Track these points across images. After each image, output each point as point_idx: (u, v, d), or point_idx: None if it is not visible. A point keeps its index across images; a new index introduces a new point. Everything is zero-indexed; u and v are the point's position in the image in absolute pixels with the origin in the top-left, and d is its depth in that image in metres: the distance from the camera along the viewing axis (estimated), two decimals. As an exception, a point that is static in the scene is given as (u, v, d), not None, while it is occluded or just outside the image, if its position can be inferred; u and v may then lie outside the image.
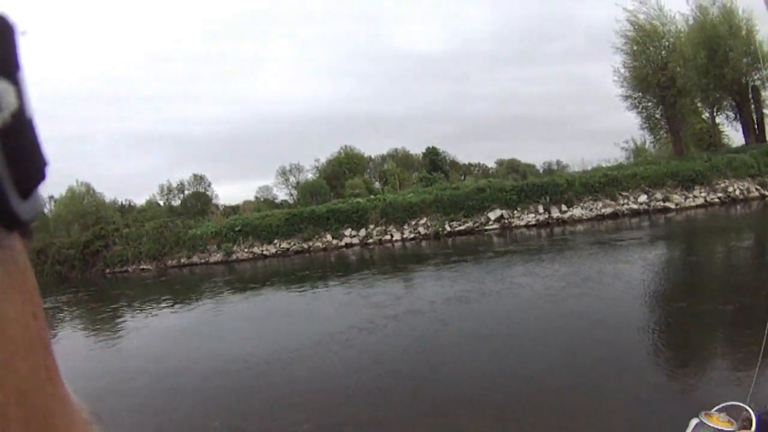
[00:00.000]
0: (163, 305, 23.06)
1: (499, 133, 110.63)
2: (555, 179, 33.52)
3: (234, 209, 57.15)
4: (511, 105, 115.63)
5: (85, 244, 42.18)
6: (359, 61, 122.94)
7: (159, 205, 62.32)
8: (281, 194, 64.70)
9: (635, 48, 38.58)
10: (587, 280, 14.74)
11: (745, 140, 39.94)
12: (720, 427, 4.47)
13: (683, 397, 7.25)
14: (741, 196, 30.75)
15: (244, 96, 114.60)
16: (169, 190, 64.05)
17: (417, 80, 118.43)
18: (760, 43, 32.10)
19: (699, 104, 41.65)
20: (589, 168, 38.67)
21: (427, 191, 36.41)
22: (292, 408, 8.51)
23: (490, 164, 70.89)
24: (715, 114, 42.01)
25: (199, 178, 63.20)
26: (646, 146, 49.82)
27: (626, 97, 40.61)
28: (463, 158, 72.14)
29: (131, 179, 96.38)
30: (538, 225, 29.91)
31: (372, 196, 39.52)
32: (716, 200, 30.50)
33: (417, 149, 66.56)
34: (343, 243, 32.93)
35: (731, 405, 4.99)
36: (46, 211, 66.13)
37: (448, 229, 30.97)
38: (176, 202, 62.69)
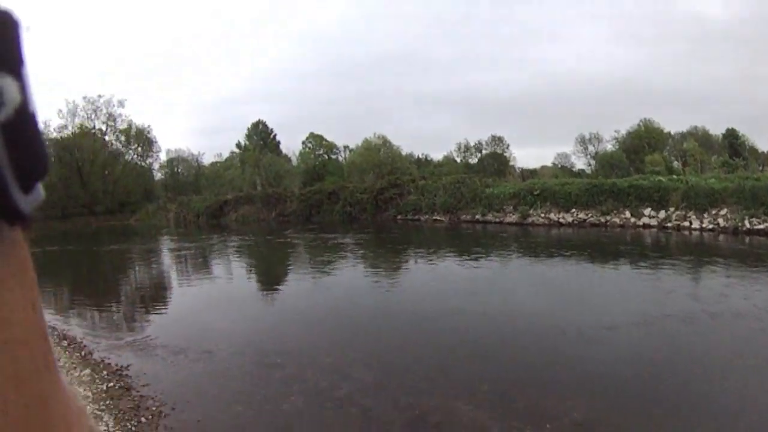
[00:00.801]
0: (451, 253, 25.15)
1: None
2: None
3: (531, 173, 58.45)
4: None
5: (379, 190, 45.39)
6: (653, 28, 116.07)
7: (455, 161, 65.92)
8: (579, 163, 64.73)
9: None
10: None
11: None
12: None
13: None
14: None
15: (540, 61, 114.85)
16: (467, 148, 67.70)
17: (714, 51, 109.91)
18: None
19: None
20: None
21: (729, 179, 33.20)
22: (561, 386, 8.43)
23: None
24: None
25: (497, 139, 65.72)
26: None
27: None
28: (762, 146, 64.79)
29: (428, 136, 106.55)
30: None
31: (674, 176, 37.25)
32: None
33: (715, 129, 61.83)
34: (640, 223, 31.60)
35: None
36: (341, 158, 74.70)
37: (747, 225, 27.44)
38: (473, 161, 65.71)
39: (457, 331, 11.67)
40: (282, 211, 50.56)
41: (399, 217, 43.64)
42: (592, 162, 61.79)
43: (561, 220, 34.61)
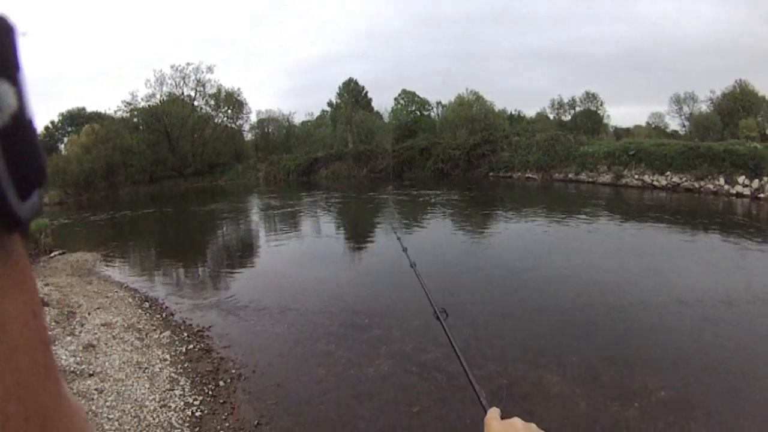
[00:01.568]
0: (543, 212, 25.04)
1: None
2: None
3: (625, 132, 58.44)
4: None
5: (471, 146, 46.23)
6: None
7: (549, 118, 65.20)
8: (673, 124, 63.59)
9: None
10: None
11: None
12: None
13: None
14: None
15: (639, 16, 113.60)
16: (560, 105, 66.89)
17: None
18: None
19: None
20: None
21: None
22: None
23: None
24: None
25: (591, 96, 64.62)
26: None
27: None
28: None
29: (522, 92, 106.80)
30: None
31: None
32: None
33: None
34: (734, 190, 30.83)
35: None
36: (433, 115, 75.10)
37: None
38: (566, 118, 65.15)
39: (547, 296, 11.53)
40: (374, 168, 52.55)
41: (491, 174, 44.26)
42: (686, 123, 60.83)
43: (655, 183, 34.33)
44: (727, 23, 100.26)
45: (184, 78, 66.30)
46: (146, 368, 8.14)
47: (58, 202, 50.61)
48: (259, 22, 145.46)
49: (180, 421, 6.60)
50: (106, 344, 9.27)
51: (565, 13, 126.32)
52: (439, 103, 73.53)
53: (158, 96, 65.15)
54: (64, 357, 8.52)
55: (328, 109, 76.09)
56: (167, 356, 8.70)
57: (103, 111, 69.33)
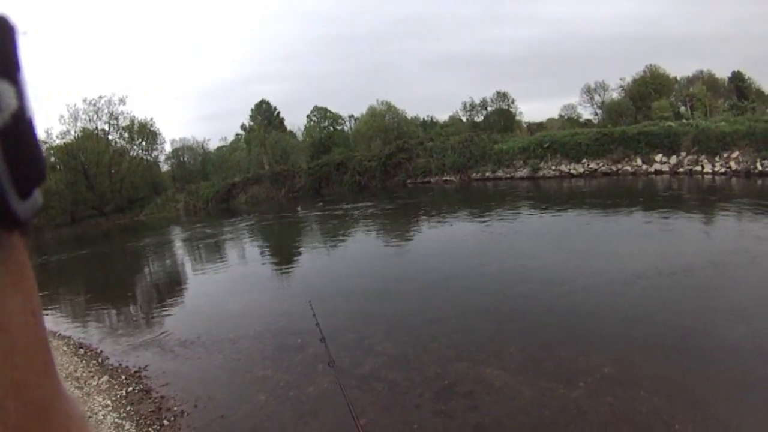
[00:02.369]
0: (463, 213, 24.95)
1: None
2: None
3: (539, 126, 58.16)
4: None
5: (387, 156, 45.21)
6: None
7: (462, 121, 64.60)
8: (585, 113, 63.93)
9: None
10: None
11: None
12: None
13: None
14: None
15: (546, 15, 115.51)
16: (472, 106, 66.05)
17: None
18: None
19: None
20: None
21: (739, 121, 32.33)
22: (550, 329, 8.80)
23: None
24: None
25: (502, 95, 63.78)
26: None
27: None
28: None
29: (433, 99, 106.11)
30: None
31: (684, 121, 36.55)
32: None
33: (721, 73, 60.64)
34: (652, 169, 31.57)
35: None
36: (346, 128, 73.67)
37: (759, 167, 27.10)
38: (479, 118, 64.47)
39: (476, 292, 11.55)
40: (291, 188, 50.70)
41: (409, 181, 43.51)
42: (599, 111, 61.28)
43: (572, 171, 34.56)
44: (637, 12, 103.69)
45: (97, 112, 63.76)
46: (89, 417, 7.95)
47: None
48: (168, 49, 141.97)
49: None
50: (45, 398, 8.38)
51: (470, 18, 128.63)
52: (351, 116, 72.51)
53: (73, 132, 62.65)
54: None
55: (242, 132, 74.51)
56: (108, 402, 8.53)
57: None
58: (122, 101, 65.54)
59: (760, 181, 25.58)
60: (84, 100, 65.75)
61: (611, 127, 40.21)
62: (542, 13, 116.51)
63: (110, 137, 65.70)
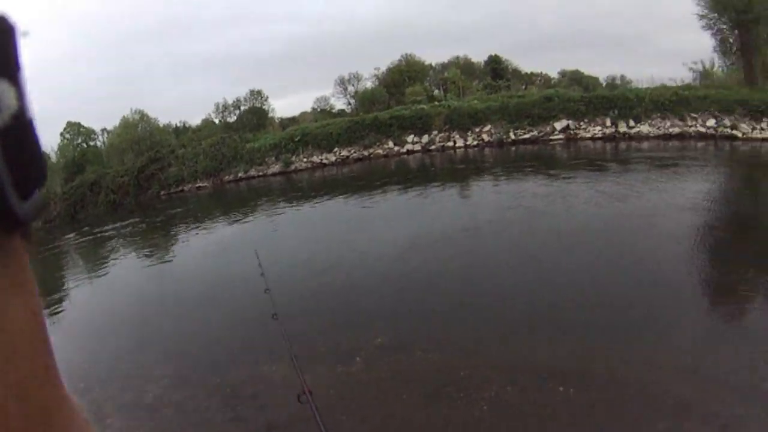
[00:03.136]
0: (214, 220, 23.74)
1: (562, 46, 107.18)
2: (625, 93, 31.99)
3: (292, 121, 56.61)
4: (577, 19, 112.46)
5: (139, 169, 42.26)
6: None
7: (215, 123, 62.11)
8: (339, 104, 63.67)
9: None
10: (650, 201, 14.39)
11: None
12: None
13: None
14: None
15: (306, 13, 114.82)
16: (225, 107, 63.32)
17: None
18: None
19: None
20: (656, 85, 35.82)
21: (493, 98, 35.21)
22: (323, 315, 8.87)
23: (553, 74, 65.34)
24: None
25: (255, 93, 62.05)
26: (714, 69, 45.66)
27: (701, 17, 36.63)
28: (525, 67, 68.09)
29: (188, 103, 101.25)
30: (604, 138, 28.72)
31: (437, 103, 38.32)
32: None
33: (479, 58, 64.13)
34: (404, 149, 32.62)
35: None
36: (99, 143, 67.77)
37: (513, 137, 30.01)
38: (232, 119, 62.17)
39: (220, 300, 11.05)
40: (47, 217, 44.85)
41: (163, 192, 40.66)
42: (353, 101, 61.25)
43: (324, 161, 34.65)
44: (395, 7, 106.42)
45: None
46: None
47: None
48: None
49: None
50: None
51: (228, 18, 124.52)
52: (104, 129, 65.99)
53: None
54: None
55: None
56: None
57: None
58: None
59: (513, 149, 28.86)
60: None
61: (363, 115, 40.76)
62: (302, 11, 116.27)
63: None
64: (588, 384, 6.10)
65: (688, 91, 31.73)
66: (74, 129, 65.94)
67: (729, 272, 9.17)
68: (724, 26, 36.59)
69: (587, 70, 62.83)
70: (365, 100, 54.26)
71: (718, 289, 8.74)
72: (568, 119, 29.78)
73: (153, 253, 20.16)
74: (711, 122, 29.01)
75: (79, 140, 65.66)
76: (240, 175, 37.07)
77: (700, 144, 27.10)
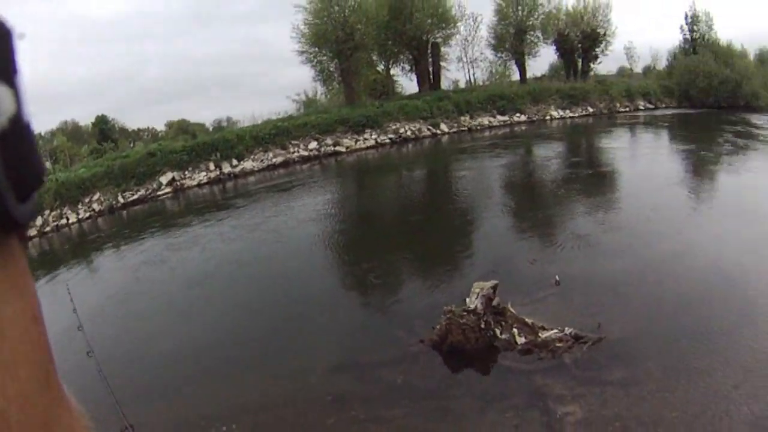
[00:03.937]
0: None
1: (170, 97, 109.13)
2: (225, 135, 34.17)
3: None
4: (184, 66, 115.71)
5: None
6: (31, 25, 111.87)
7: None
8: None
9: (319, 5, 39.22)
10: (263, 226, 16.72)
11: (419, 89, 45.19)
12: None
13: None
14: (413, 136, 35.57)
15: None
16: None
17: (92, 45, 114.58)
18: (450, 7, 42.32)
19: (375, 57, 45.99)
20: (260, 122, 39.54)
21: (98, 163, 33.18)
22: None
23: (160, 127, 67.25)
24: (390, 66, 46.92)
25: None
26: (317, 97, 52.25)
27: (302, 53, 41.40)
28: (132, 125, 69.08)
29: None
30: (211, 182, 29.80)
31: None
32: (387, 141, 34.48)
33: (87, 120, 61.87)
34: None
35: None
36: None
37: (122, 201, 28.48)
38: None
39: None
40: None
41: None
42: None
43: None
44: None
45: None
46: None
47: None
48: None
49: None
50: None
51: None
52: None
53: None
54: None
55: None
56: None
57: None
58: None
59: (124, 213, 26.77)
60: None
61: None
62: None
63: None
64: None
65: (288, 121, 35.36)
66: None
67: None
68: (325, 57, 41.68)
69: (194, 116, 64.46)
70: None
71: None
72: (172, 171, 29.93)
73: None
74: (313, 144, 33.29)
75: None
76: None
77: (304, 166, 30.74)
